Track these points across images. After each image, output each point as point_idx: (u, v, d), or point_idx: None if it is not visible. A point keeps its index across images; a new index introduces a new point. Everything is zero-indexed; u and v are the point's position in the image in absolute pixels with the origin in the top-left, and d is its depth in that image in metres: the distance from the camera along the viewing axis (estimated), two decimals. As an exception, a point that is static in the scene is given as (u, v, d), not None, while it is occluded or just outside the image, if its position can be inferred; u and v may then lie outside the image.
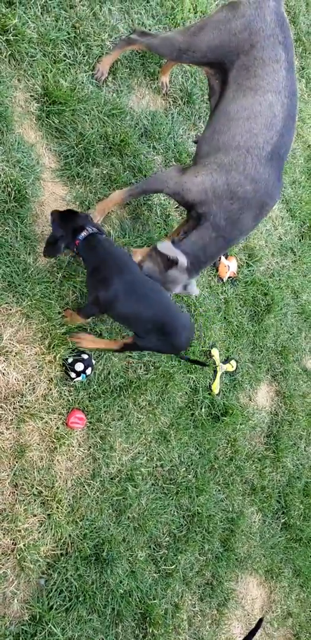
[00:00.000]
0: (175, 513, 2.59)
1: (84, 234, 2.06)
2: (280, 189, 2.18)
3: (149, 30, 2.73)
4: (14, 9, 2.18)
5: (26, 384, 2.14)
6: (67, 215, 2.09)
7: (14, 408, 2.09)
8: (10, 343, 2.10)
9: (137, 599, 2.30)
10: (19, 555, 1.98)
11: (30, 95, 2.27)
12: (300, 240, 3.76)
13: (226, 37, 2.07)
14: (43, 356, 2.19)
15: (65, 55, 2.38)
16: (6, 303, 2.11)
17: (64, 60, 2.37)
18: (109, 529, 2.28)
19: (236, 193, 2.08)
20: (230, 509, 2.90)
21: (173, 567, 2.50)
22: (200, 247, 2.19)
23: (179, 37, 2.22)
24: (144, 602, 2.32)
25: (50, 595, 2.04)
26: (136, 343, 2.21)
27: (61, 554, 2.11)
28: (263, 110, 2.02)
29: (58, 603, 2.05)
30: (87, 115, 2.44)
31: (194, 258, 2.21)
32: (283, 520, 3.24)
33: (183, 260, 2.14)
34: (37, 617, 2.00)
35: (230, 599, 2.78)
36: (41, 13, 2.29)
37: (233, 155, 2.06)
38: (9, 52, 2.17)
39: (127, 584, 2.27)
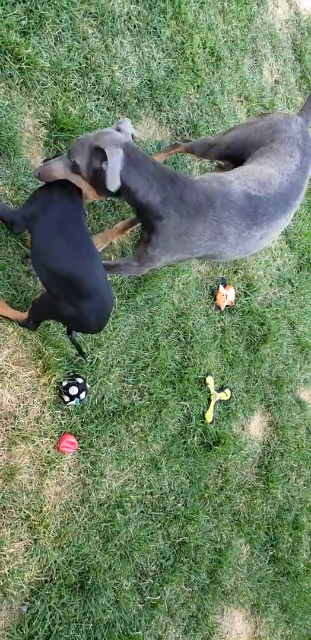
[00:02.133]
0: (162, 542, 2.58)
1: None
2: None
3: (159, 64, 2.80)
4: (28, 39, 2.24)
5: (19, 405, 2.15)
6: None
7: (6, 430, 2.10)
8: (5, 364, 2.11)
9: (121, 630, 2.28)
10: (3, 580, 1.97)
11: (40, 122, 2.31)
12: (298, 272, 3.80)
13: (252, 132, 2.25)
14: (38, 378, 2.20)
15: (75, 84, 2.43)
16: (3, 323, 2.12)
17: (74, 89, 2.42)
18: (95, 556, 2.27)
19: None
20: (218, 540, 2.89)
21: (158, 597, 2.48)
22: None
23: (212, 138, 2.47)
24: (127, 633, 2.30)
25: (32, 623, 2.02)
26: (41, 304, 1.91)
27: (45, 581, 2.10)
28: (260, 172, 2.08)
29: (39, 632, 2.03)
30: (94, 142, 2.48)
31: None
32: (272, 553, 3.23)
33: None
34: (18, 644, 1.98)
35: (215, 633, 2.75)
36: (55, 43, 2.34)
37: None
38: (21, 80, 2.22)
39: (112, 613, 2.26)
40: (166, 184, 1.90)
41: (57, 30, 2.35)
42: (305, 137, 2.18)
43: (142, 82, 2.74)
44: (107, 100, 2.57)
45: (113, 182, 1.83)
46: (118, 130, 1.92)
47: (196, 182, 2.01)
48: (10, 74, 2.19)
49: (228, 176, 2.07)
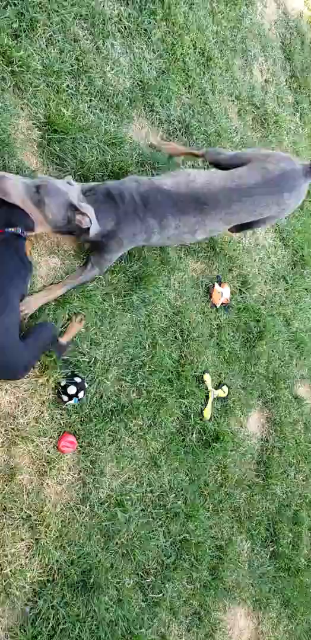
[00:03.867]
0: (164, 539, 2.59)
1: (11, 229, 2.02)
2: None
3: (150, 65, 2.84)
4: (20, 42, 2.25)
5: (18, 406, 2.15)
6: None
7: (5, 430, 2.10)
8: (4, 365, 2.11)
9: (124, 629, 2.28)
10: (5, 581, 1.97)
11: (33, 123, 2.32)
12: (292, 269, 3.83)
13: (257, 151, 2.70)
14: (36, 379, 2.21)
15: (68, 85, 2.45)
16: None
17: (67, 91, 2.44)
18: (96, 555, 2.27)
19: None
20: (219, 536, 2.89)
21: (160, 595, 2.48)
22: None
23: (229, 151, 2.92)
24: (130, 631, 2.30)
25: (36, 623, 2.02)
26: None
27: (48, 581, 2.10)
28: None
29: (43, 632, 2.03)
30: (88, 143, 2.50)
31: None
32: (272, 548, 3.23)
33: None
34: (22, 645, 1.98)
35: (218, 629, 2.75)
36: (46, 46, 2.36)
37: None
38: (14, 82, 2.23)
39: (114, 612, 2.25)
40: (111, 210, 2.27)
41: (49, 32, 2.38)
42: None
43: (134, 83, 2.77)
44: (99, 102, 2.60)
45: (95, 231, 2.21)
46: (69, 184, 2.19)
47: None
48: (2, 76, 2.21)
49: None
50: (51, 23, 2.38)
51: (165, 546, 2.58)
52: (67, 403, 2.28)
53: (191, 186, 2.35)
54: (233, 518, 3.01)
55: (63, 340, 2.27)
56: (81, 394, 2.29)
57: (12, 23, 2.24)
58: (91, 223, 2.14)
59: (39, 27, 2.33)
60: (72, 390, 2.27)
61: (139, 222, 2.31)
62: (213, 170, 2.67)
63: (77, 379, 2.30)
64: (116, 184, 2.32)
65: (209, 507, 2.87)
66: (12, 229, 2.03)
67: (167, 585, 2.52)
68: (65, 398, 2.27)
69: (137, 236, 2.36)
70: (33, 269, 2.18)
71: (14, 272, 1.99)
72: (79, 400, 2.30)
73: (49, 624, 2.03)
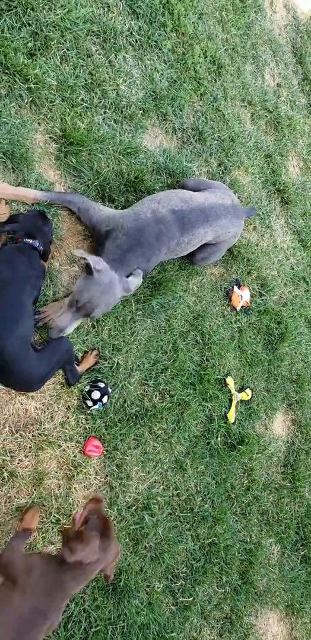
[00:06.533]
0: (192, 543, 2.57)
1: (29, 240, 2.08)
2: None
3: (162, 76, 2.89)
4: (35, 60, 2.34)
5: (45, 412, 2.19)
6: (39, 217, 2.16)
7: (32, 436, 2.14)
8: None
9: (155, 632, 2.27)
10: (37, 583, 1.99)
11: (50, 137, 2.40)
12: (312, 270, 3.80)
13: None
14: (61, 385, 2.25)
15: (82, 99, 2.52)
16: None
17: (81, 104, 2.52)
18: (126, 559, 2.28)
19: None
20: (248, 540, 2.86)
21: (190, 599, 2.47)
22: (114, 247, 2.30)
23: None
24: (162, 635, 2.29)
25: (68, 626, 2.03)
26: None
27: (79, 583, 2.11)
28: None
29: (76, 635, 2.04)
30: (103, 154, 2.57)
31: (114, 255, 2.26)
32: (303, 552, 3.17)
33: (90, 259, 2.10)
34: (55, 648, 1.99)
35: (250, 634, 2.71)
36: (60, 62, 2.45)
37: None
38: (30, 99, 2.32)
39: (145, 615, 2.25)
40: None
41: (62, 49, 2.46)
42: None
43: (146, 93, 2.83)
44: (114, 113, 2.66)
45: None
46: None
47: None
48: (19, 94, 2.29)
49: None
50: (64, 40, 2.46)
51: (194, 549, 2.57)
52: (92, 408, 2.31)
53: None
54: (261, 521, 2.97)
55: (79, 369, 2.27)
56: (104, 399, 2.32)
57: (27, 42, 2.33)
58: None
59: (53, 45, 2.41)
60: (96, 395, 2.30)
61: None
62: None
63: (101, 384, 2.33)
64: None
65: (236, 511, 2.85)
66: (31, 241, 2.09)
67: (197, 589, 2.50)
68: (89, 403, 2.30)
69: None
70: (46, 276, 2.22)
71: (27, 281, 2.01)
72: (103, 405, 2.33)
73: (81, 626, 2.05)
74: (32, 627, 1.50)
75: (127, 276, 2.29)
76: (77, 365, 2.28)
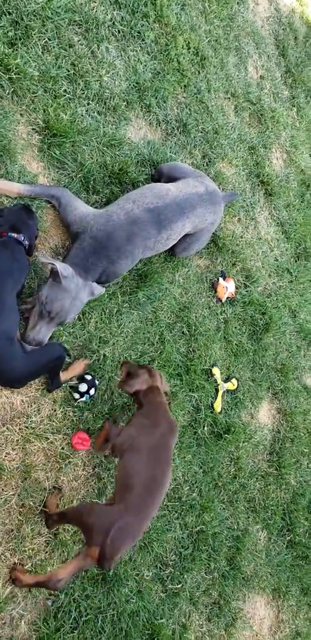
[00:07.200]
0: (180, 531, 2.61)
1: (14, 234, 2.06)
2: None
3: (145, 67, 2.89)
4: (16, 49, 2.32)
5: (31, 405, 2.19)
6: (24, 211, 2.14)
7: (19, 429, 2.14)
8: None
9: (145, 619, 2.29)
10: (27, 575, 1.99)
11: (32, 129, 2.38)
12: (295, 261, 3.85)
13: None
14: (46, 379, 2.24)
15: (65, 90, 2.51)
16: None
17: (64, 95, 2.50)
18: (115, 549, 2.29)
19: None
20: (235, 527, 2.90)
21: (179, 586, 2.50)
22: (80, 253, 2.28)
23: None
24: (151, 622, 2.32)
25: (58, 616, 2.05)
26: None
27: (68, 574, 2.12)
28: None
29: (66, 624, 2.06)
30: (87, 146, 2.56)
31: (77, 259, 2.26)
32: (289, 537, 3.24)
33: (58, 265, 2.09)
34: (45, 639, 2.00)
35: (238, 618, 2.76)
36: (42, 52, 2.42)
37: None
38: (12, 89, 2.29)
39: (135, 603, 2.27)
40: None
41: (44, 39, 2.44)
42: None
43: (130, 85, 2.82)
44: (97, 105, 2.65)
45: None
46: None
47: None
48: (0, 84, 2.27)
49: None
50: (46, 30, 2.44)
51: (182, 538, 2.60)
52: (79, 400, 2.32)
53: None
54: (248, 508, 3.02)
55: (62, 375, 2.22)
56: (92, 391, 2.33)
57: (7, 32, 2.30)
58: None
59: (34, 34, 2.39)
60: (83, 387, 2.31)
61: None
62: None
63: (88, 377, 2.34)
64: None
65: (224, 499, 2.89)
66: (15, 235, 2.07)
67: (185, 576, 2.54)
68: (76, 396, 2.31)
69: None
70: (30, 268, 2.20)
71: (10, 274, 1.99)
72: (90, 397, 2.34)
73: (71, 616, 2.06)
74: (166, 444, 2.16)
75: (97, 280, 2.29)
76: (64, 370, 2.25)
